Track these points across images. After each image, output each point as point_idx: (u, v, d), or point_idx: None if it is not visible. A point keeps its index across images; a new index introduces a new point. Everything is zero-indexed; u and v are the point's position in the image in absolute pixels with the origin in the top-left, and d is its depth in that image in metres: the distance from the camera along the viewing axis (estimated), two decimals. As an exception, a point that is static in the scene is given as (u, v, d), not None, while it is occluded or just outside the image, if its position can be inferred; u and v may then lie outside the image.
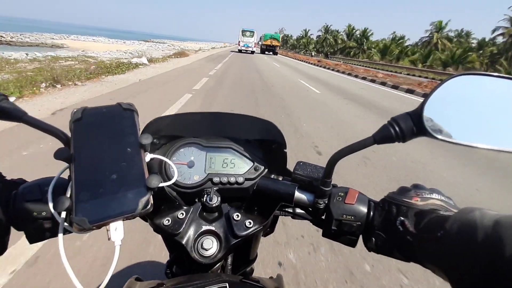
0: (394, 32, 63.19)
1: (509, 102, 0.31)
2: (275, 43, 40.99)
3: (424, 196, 0.36)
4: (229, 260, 0.49)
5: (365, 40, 66.27)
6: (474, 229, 0.25)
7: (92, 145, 0.33)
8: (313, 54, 69.70)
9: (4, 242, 0.34)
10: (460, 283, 0.26)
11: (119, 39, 58.21)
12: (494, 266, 0.22)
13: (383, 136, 0.33)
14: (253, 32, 34.62)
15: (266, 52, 41.73)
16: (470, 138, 0.31)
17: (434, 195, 0.36)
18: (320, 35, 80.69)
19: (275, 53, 42.09)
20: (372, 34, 66.40)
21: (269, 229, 0.55)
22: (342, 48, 71.66)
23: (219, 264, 0.46)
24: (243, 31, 34.29)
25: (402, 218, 0.34)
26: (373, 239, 0.37)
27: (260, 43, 45.43)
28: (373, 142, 0.34)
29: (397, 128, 0.32)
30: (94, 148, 0.33)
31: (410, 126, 0.32)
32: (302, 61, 32.38)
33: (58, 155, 0.31)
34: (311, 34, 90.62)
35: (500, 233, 0.23)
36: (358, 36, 68.18)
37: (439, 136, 0.31)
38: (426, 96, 0.32)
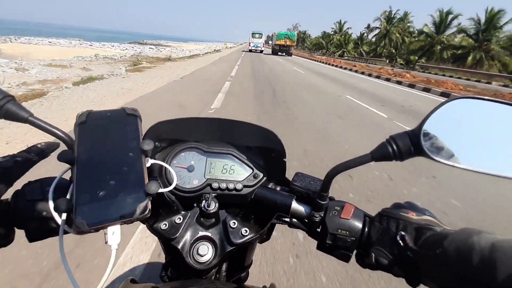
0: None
1: (507, 127, 0.31)
2: (289, 42, 36.52)
3: (418, 213, 0.37)
4: (224, 267, 0.50)
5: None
6: (471, 251, 0.25)
7: (95, 148, 0.33)
8: (355, 56, 51.61)
9: (7, 238, 0.35)
10: None
11: (107, 41, 51.12)
12: (489, 286, 0.23)
13: (381, 154, 0.34)
14: (261, 34, 39.20)
15: (279, 54, 37.09)
16: (468, 161, 0.31)
17: (427, 213, 0.37)
18: (365, 32, 55.68)
19: (289, 54, 37.40)
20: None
21: (265, 237, 0.55)
22: (418, 48, 37.61)
23: (213, 270, 0.46)
24: (253, 34, 38.71)
25: (402, 233, 0.34)
26: (373, 254, 0.37)
27: (271, 43, 41.35)
28: (371, 159, 0.35)
29: (395, 147, 0.33)
30: (96, 151, 0.33)
31: (408, 146, 0.32)
32: (337, 67, 23.87)
33: (62, 157, 0.32)
34: (347, 29, 61.91)
35: (495, 257, 0.23)
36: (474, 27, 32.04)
37: (437, 158, 0.31)
38: (425, 117, 0.32)
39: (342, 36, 60.87)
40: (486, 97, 0.32)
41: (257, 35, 38.57)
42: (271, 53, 38.86)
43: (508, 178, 0.30)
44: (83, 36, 65.30)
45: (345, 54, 57.49)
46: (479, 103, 0.32)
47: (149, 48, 37.04)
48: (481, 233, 0.26)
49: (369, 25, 55.26)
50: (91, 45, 35.58)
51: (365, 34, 57.16)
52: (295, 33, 38.15)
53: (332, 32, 67.24)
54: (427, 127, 0.32)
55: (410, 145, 0.32)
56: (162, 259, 0.53)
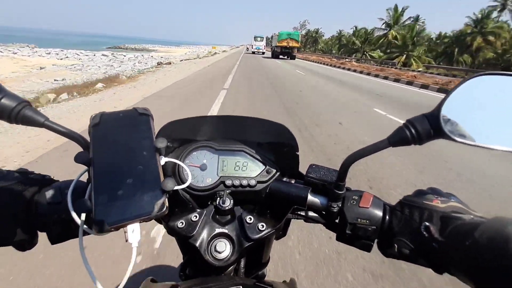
0: None
1: None
2: (293, 44, 31.48)
3: (443, 199, 0.35)
4: (242, 263, 0.49)
5: None
6: (507, 241, 0.24)
7: (110, 149, 0.34)
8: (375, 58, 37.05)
9: (32, 241, 0.36)
10: None
11: (79, 47, 41.48)
12: None
13: (399, 138, 0.33)
14: (263, 37, 43.84)
15: (281, 56, 32.64)
16: (490, 140, 0.30)
17: (452, 198, 0.35)
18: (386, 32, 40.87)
19: (292, 57, 32.76)
20: None
21: (281, 233, 0.55)
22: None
23: (232, 267, 0.46)
24: (255, 37, 42.64)
25: (427, 224, 0.33)
26: (396, 245, 0.35)
27: (272, 45, 35.62)
28: (388, 144, 0.34)
29: (413, 131, 0.32)
30: (111, 152, 0.34)
31: (427, 128, 0.31)
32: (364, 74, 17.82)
33: (78, 159, 0.32)
34: (360, 29, 48.54)
35: None
36: None
37: (458, 139, 0.30)
38: (443, 97, 0.31)
39: (405, 31, 36.92)
40: (504, 72, 0.30)
41: (258, 39, 42.36)
42: (270, 56, 34.45)
43: None
44: (42, 41, 57.59)
45: (412, 62, 33.63)
46: (500, 79, 0.30)
47: (121, 56, 28.49)
48: None
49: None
50: (35, 53, 27.04)
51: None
52: (299, 33, 34.57)
53: (383, 25, 41.81)
54: (446, 107, 0.31)
55: (430, 128, 0.31)
56: (180, 259, 0.53)
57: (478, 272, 0.26)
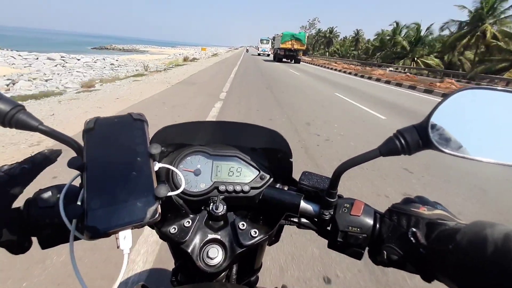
0: None
1: None
2: (298, 46, 28.58)
3: (430, 207, 0.36)
4: (234, 270, 0.49)
5: None
6: (484, 242, 0.25)
7: (103, 154, 0.34)
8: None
9: (24, 245, 0.35)
10: None
11: (58, 48, 35.63)
12: (504, 279, 0.23)
13: (389, 148, 0.34)
14: (269, 40, 46.82)
15: (284, 60, 30.08)
16: (477, 152, 0.31)
17: (438, 207, 0.37)
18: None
19: (296, 61, 29.84)
20: None
21: (274, 238, 0.55)
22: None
23: (224, 273, 0.46)
24: (261, 40, 46.01)
25: (414, 230, 0.34)
26: (385, 252, 0.36)
27: (274, 47, 33.58)
28: (379, 154, 0.34)
29: (402, 141, 0.33)
30: (105, 157, 0.34)
31: (416, 139, 0.32)
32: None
33: (71, 164, 0.32)
34: (409, 26, 34.38)
35: (509, 247, 0.23)
36: None
37: (445, 150, 0.31)
38: (432, 109, 0.32)
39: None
40: (492, 87, 0.32)
41: (264, 41, 45.64)
42: (273, 59, 31.99)
43: None
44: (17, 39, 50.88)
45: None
46: (486, 93, 0.32)
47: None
48: (494, 225, 0.26)
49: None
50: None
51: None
52: (305, 34, 30.46)
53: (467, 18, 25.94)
54: (435, 119, 0.32)
55: (418, 138, 0.32)
56: (171, 265, 0.52)
57: (461, 274, 0.27)
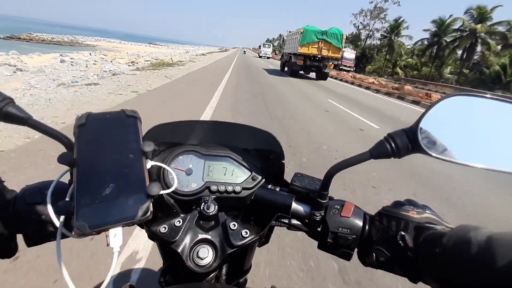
0: None
1: (502, 123, 0.32)
2: (329, 51, 15.63)
3: (419, 210, 0.37)
4: (224, 270, 0.49)
5: None
6: (468, 244, 0.26)
7: (95, 150, 0.33)
8: None
9: (10, 246, 0.34)
10: None
11: None
12: (488, 279, 0.24)
13: (379, 151, 0.34)
14: (270, 44, 50.10)
15: (302, 72, 17.46)
16: (465, 157, 0.32)
17: (427, 210, 0.38)
18: None
19: (322, 76, 17.35)
20: None
21: (264, 240, 0.55)
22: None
23: (213, 273, 0.46)
24: (263, 44, 49.02)
25: (402, 233, 0.35)
26: (374, 254, 0.37)
27: (284, 51, 20.87)
28: (370, 157, 0.35)
29: (393, 144, 0.33)
30: (97, 153, 0.33)
31: (406, 143, 0.33)
32: None
33: (61, 159, 0.31)
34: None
35: (492, 249, 0.24)
36: None
37: (434, 154, 0.32)
38: (421, 114, 0.33)
39: None
40: (480, 94, 0.33)
41: (266, 45, 48.76)
42: (280, 69, 20.47)
43: (504, 172, 0.31)
44: None
45: None
46: (474, 100, 0.33)
47: None
48: (477, 228, 0.27)
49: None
50: None
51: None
52: (342, 32, 15.65)
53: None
54: (424, 124, 0.32)
55: (408, 142, 0.33)
56: (160, 265, 0.52)
57: (447, 276, 0.28)
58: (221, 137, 0.55)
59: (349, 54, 31.69)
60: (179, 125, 0.52)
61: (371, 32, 44.22)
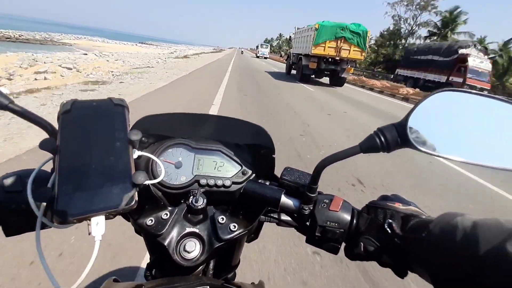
0: None
1: (489, 119, 0.33)
2: (350, 52, 11.72)
3: (404, 204, 0.39)
4: (211, 265, 0.49)
5: None
6: (455, 230, 0.27)
7: (79, 137, 0.32)
8: None
9: None
10: (443, 283, 0.28)
11: None
12: (472, 263, 0.25)
13: (369, 145, 0.35)
14: (268, 45, 50.42)
15: (314, 77, 13.83)
16: (452, 151, 0.32)
17: (412, 204, 0.39)
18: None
19: (338, 82, 13.74)
20: None
21: (253, 235, 0.55)
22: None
23: (200, 268, 0.45)
24: (261, 44, 49.74)
25: (390, 221, 0.36)
26: (362, 244, 0.38)
27: (291, 52, 16.45)
28: (359, 151, 0.35)
29: (382, 139, 0.34)
30: (81, 141, 0.32)
31: (395, 137, 0.33)
32: None
33: (43, 145, 0.30)
34: None
35: (477, 233, 0.25)
36: None
37: (422, 148, 0.32)
38: (411, 109, 0.33)
39: None
40: (469, 90, 0.33)
41: (264, 46, 49.13)
42: (286, 72, 17.34)
43: (490, 167, 0.32)
44: None
45: None
46: (463, 96, 0.33)
47: None
48: (463, 215, 0.28)
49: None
50: None
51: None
52: (366, 29, 11.60)
53: None
54: (413, 118, 0.33)
55: (397, 136, 0.33)
56: (146, 259, 0.51)
57: (433, 261, 0.29)
58: (211, 131, 0.55)
59: (482, 63, 16.71)
60: (169, 117, 0.51)
61: (416, 27, 31.75)
